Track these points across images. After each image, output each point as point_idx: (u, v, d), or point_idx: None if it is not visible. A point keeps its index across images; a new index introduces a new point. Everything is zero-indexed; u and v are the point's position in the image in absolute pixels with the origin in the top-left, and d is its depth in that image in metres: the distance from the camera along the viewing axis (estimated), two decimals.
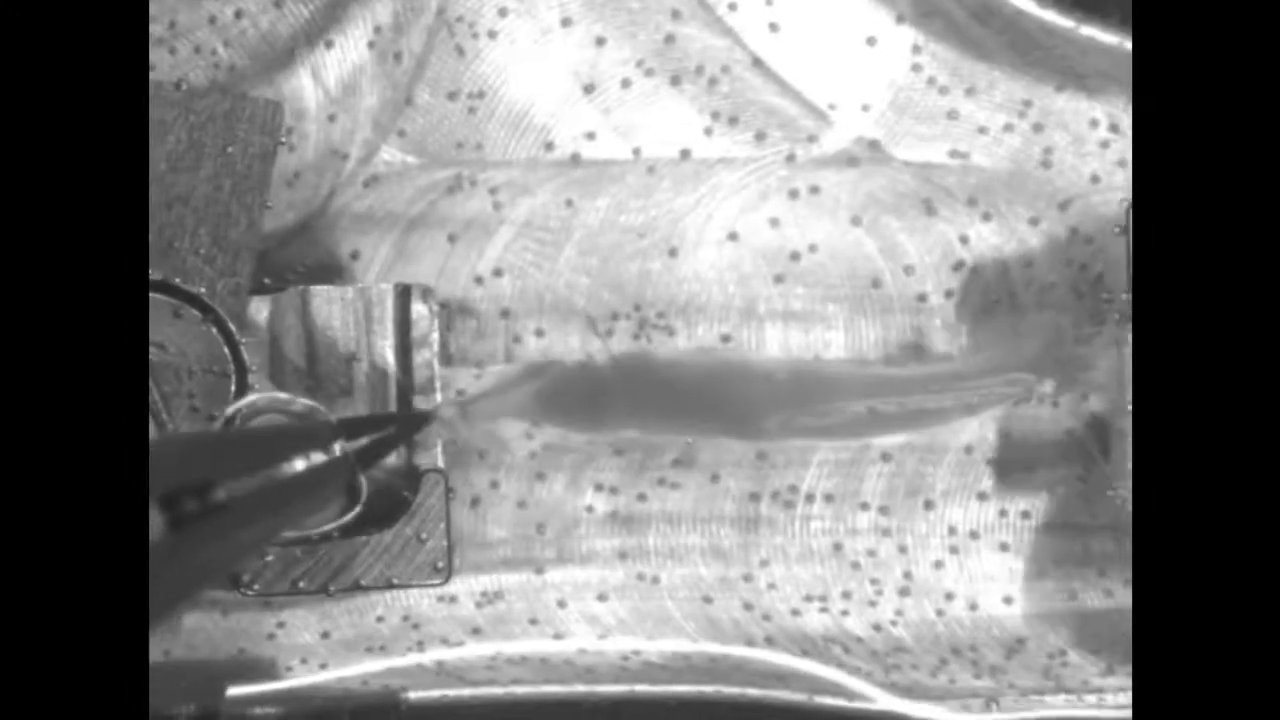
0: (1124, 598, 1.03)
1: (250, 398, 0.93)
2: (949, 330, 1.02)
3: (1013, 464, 1.03)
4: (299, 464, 0.81)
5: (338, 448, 0.84)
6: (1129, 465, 0.95)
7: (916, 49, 1.02)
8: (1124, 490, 0.97)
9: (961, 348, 1.02)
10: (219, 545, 0.76)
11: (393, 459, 0.97)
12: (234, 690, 0.99)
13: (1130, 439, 0.95)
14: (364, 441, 0.87)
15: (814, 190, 1.03)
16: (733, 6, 1.01)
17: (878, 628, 1.04)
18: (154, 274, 0.92)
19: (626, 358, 1.01)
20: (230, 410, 0.92)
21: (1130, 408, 0.95)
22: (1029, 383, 1.00)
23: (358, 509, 0.91)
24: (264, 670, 1.01)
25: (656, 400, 1.00)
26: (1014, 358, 1.01)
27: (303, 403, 0.94)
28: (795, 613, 1.04)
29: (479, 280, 1.02)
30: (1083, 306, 1.02)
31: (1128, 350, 0.96)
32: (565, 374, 1.01)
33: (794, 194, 1.03)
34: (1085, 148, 1.02)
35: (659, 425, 1.01)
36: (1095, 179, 1.02)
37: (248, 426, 0.92)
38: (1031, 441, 1.03)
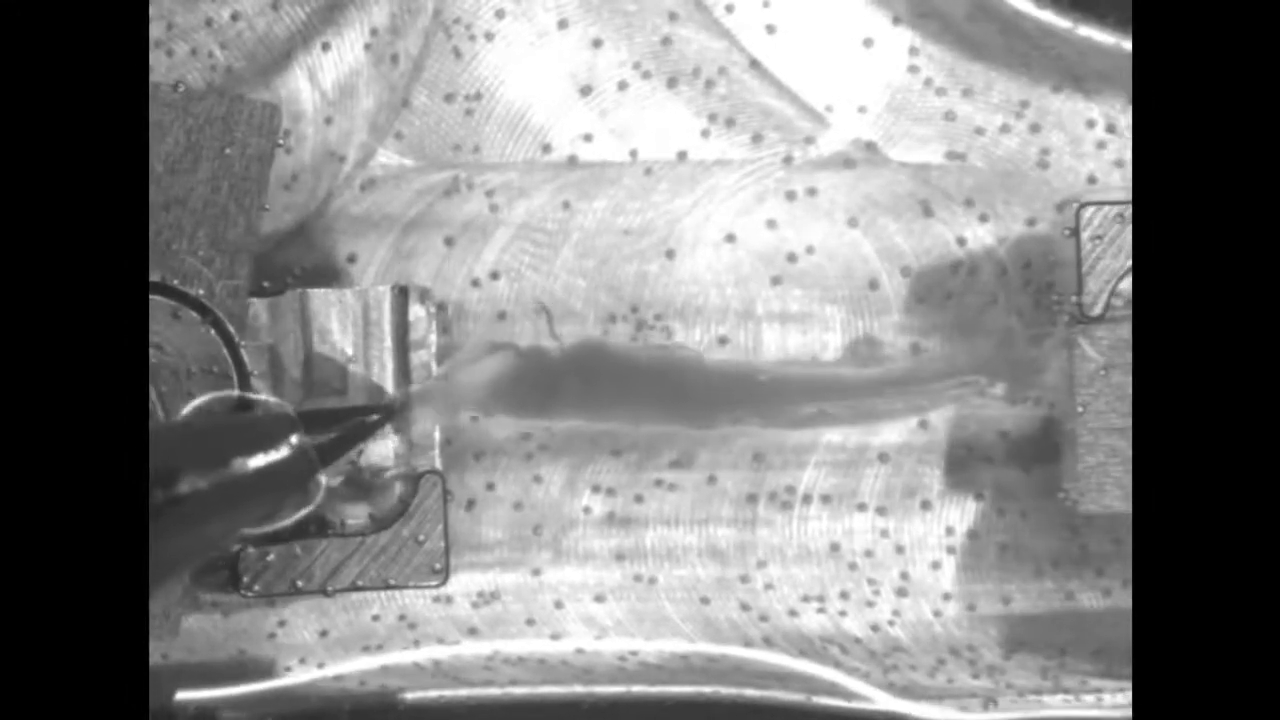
0: (1121, 598, 1.03)
1: (205, 397, 0.92)
2: (904, 331, 1.02)
3: (1005, 463, 1.04)
4: (260, 458, 0.81)
5: (297, 442, 0.84)
6: (1079, 467, 0.95)
7: (913, 50, 1.02)
8: (1074, 492, 0.96)
9: (913, 349, 1.02)
10: (183, 537, 0.77)
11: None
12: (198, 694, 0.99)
13: (1079, 442, 0.95)
14: (325, 437, 0.87)
15: (811, 192, 1.03)
16: (730, 8, 1.01)
17: (875, 628, 1.04)
18: (153, 275, 0.93)
19: (578, 348, 1.01)
20: (188, 409, 0.91)
21: (1080, 410, 0.95)
22: (980, 385, 1.00)
23: (312, 506, 0.90)
24: (263, 670, 1.01)
25: (607, 390, 0.99)
26: (965, 360, 1.01)
27: (262, 398, 0.93)
28: (793, 613, 1.03)
29: (476, 283, 1.02)
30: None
31: (1079, 352, 0.95)
32: (517, 363, 1.00)
33: (791, 196, 1.03)
34: (1082, 148, 1.02)
35: (607, 415, 1.00)
36: (1092, 179, 1.02)
37: (210, 420, 0.92)
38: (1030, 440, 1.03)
